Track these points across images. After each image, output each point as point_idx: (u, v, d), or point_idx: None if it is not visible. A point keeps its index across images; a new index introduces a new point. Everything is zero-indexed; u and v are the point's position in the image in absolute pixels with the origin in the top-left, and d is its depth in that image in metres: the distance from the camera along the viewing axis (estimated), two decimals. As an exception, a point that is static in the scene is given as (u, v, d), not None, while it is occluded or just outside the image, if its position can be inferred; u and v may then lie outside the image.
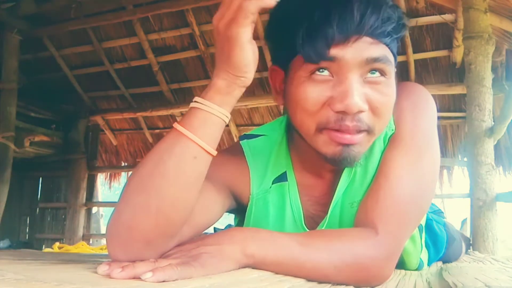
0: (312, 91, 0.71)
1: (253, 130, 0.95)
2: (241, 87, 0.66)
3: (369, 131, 0.72)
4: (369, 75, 0.71)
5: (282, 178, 0.88)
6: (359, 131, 0.71)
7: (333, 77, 0.71)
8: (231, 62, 0.63)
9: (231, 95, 0.65)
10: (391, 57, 0.73)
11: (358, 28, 0.68)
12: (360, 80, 0.70)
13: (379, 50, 0.70)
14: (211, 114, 0.64)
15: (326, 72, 0.70)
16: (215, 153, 0.65)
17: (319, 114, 0.71)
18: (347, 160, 0.72)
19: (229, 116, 0.66)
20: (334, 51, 0.69)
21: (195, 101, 0.65)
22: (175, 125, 0.64)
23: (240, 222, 1.01)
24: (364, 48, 0.69)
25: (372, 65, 0.70)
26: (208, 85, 0.66)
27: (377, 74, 0.71)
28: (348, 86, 0.69)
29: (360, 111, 0.69)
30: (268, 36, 0.83)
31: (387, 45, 0.72)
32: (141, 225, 0.60)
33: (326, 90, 0.70)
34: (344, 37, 0.68)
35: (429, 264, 1.13)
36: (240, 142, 0.92)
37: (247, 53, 0.63)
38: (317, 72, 0.71)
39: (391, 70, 0.73)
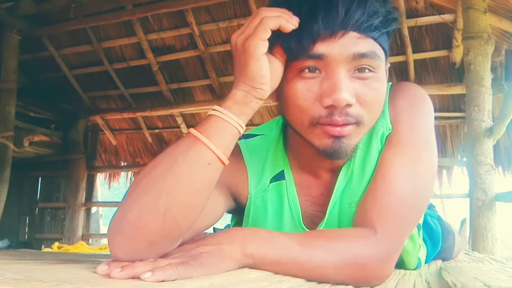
0: (301, 88, 0.72)
1: (250, 130, 0.95)
2: (257, 99, 0.68)
3: (358, 124, 0.73)
4: (357, 72, 0.72)
5: (279, 176, 0.88)
6: (348, 124, 0.72)
7: (321, 73, 0.72)
8: (248, 74, 0.67)
9: (248, 106, 0.68)
10: (379, 51, 0.73)
11: (344, 23, 0.69)
12: (348, 74, 0.71)
13: (367, 45, 0.71)
14: (227, 122, 0.66)
15: (314, 69, 0.72)
16: (227, 162, 0.66)
17: (311, 109, 0.72)
18: (339, 152, 0.73)
19: (244, 127, 0.68)
20: (321, 48, 0.69)
21: (213, 109, 0.67)
22: (191, 130, 0.65)
23: (237, 223, 1.01)
24: (351, 43, 0.69)
25: (359, 61, 0.71)
26: (227, 95, 0.69)
27: (366, 71, 0.72)
28: (335, 81, 0.70)
29: (348, 105, 0.70)
30: None
31: (375, 40, 0.72)
32: (148, 225, 0.60)
33: (315, 86, 0.72)
34: (330, 32, 0.69)
35: (427, 259, 1.13)
36: (238, 141, 0.93)
37: (262, 65, 0.67)
38: (306, 70, 0.72)
39: (380, 64, 0.73)
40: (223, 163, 0.66)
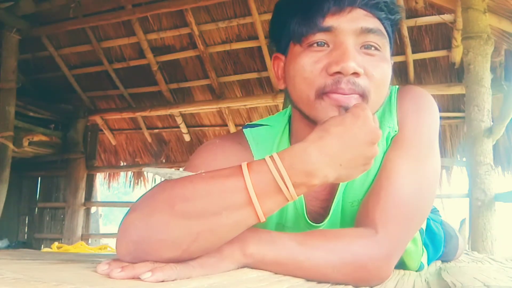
0: (309, 60, 0.74)
1: (256, 121, 0.96)
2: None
3: (364, 96, 0.73)
4: (364, 49, 0.74)
5: None
6: (355, 93, 0.72)
7: (329, 46, 0.74)
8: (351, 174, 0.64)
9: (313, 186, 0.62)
10: (385, 32, 0.76)
11: None
12: (356, 47, 0.73)
13: (373, 22, 0.74)
14: (287, 200, 0.61)
15: (322, 43, 0.74)
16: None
17: (317, 80, 0.73)
18: None
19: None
20: (330, 21, 0.73)
21: (281, 179, 0.59)
22: (248, 182, 0.58)
23: None
24: (358, 18, 0.73)
25: (367, 37, 0.73)
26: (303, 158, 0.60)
27: (372, 48, 0.74)
28: (344, 49, 0.72)
29: (356, 73, 0.71)
30: (271, 29, 0.86)
31: (380, 20, 0.75)
32: (165, 254, 0.58)
33: (322, 57, 0.73)
34: (339, 8, 0.73)
35: (428, 263, 1.13)
36: (243, 130, 0.93)
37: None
38: (314, 45, 0.74)
39: (386, 43, 0.76)
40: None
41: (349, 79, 0.71)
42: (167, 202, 0.59)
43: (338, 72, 0.71)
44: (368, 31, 0.73)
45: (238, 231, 0.61)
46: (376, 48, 0.74)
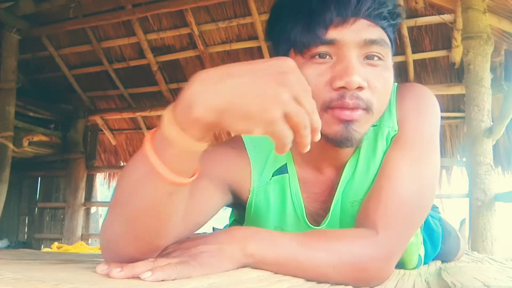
0: (312, 73, 0.73)
1: None
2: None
3: (368, 110, 0.73)
4: (367, 59, 0.73)
5: (282, 170, 0.88)
6: (359, 108, 0.72)
7: (332, 58, 0.73)
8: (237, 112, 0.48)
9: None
10: (388, 41, 0.76)
11: (355, 10, 0.71)
12: (358, 60, 0.72)
13: (377, 32, 0.73)
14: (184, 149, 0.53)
15: (325, 55, 0.73)
16: (191, 181, 0.56)
17: (322, 94, 0.72)
18: (348, 139, 0.73)
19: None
20: (333, 34, 0.71)
21: (168, 125, 0.54)
22: (148, 149, 0.53)
23: (235, 221, 1.00)
24: (362, 29, 0.72)
25: (370, 48, 0.72)
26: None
27: (375, 58, 0.73)
28: (347, 63, 0.71)
29: (360, 87, 0.70)
30: (269, 32, 0.85)
31: (383, 29, 0.74)
32: (124, 249, 0.59)
33: (326, 71, 0.72)
34: (342, 19, 0.71)
35: (426, 260, 1.12)
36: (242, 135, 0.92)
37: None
38: (316, 57, 0.73)
39: (389, 53, 0.76)
40: (189, 183, 0.57)
41: (353, 93, 0.71)
42: (111, 201, 0.61)
43: (343, 87, 0.70)
44: (372, 42, 0.72)
45: (166, 203, 0.56)
46: (379, 58, 0.74)
